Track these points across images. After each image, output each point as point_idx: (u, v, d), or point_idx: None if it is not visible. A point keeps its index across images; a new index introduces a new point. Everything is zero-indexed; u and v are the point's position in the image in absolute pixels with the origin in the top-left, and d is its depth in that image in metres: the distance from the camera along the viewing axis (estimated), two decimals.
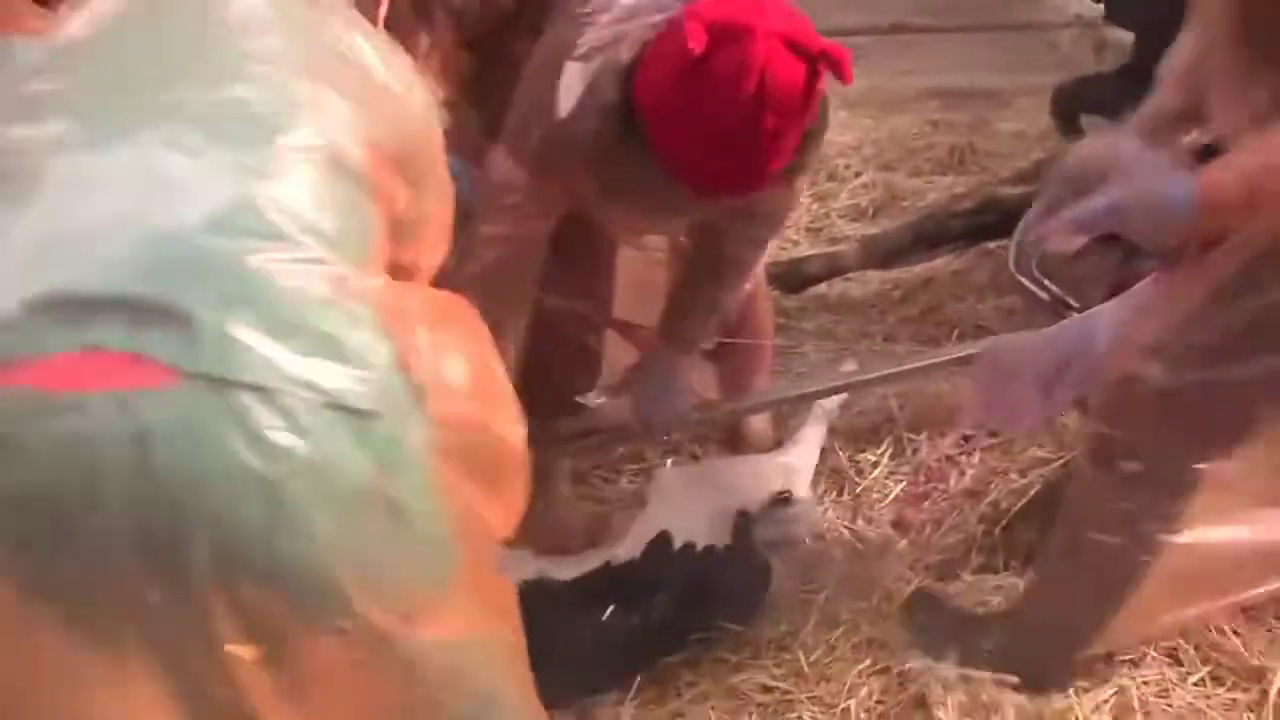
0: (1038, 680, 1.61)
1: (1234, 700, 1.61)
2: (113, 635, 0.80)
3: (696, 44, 1.32)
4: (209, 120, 0.88)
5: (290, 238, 0.84)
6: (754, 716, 1.65)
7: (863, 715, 1.63)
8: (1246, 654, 1.66)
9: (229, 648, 0.80)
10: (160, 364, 0.77)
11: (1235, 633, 1.69)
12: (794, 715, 1.64)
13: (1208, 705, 1.60)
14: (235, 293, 0.80)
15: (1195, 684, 1.64)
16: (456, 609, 0.92)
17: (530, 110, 1.54)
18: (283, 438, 0.78)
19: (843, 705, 1.64)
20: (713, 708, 1.67)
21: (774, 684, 1.69)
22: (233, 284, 0.80)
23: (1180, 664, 1.66)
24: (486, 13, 1.68)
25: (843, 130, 3.61)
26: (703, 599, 1.76)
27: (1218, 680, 1.64)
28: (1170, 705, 1.61)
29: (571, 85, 1.47)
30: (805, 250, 3.00)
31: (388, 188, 0.96)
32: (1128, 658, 1.66)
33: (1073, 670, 1.63)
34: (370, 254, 0.93)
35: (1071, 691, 1.61)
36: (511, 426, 0.99)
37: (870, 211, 3.14)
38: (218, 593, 0.79)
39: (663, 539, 1.84)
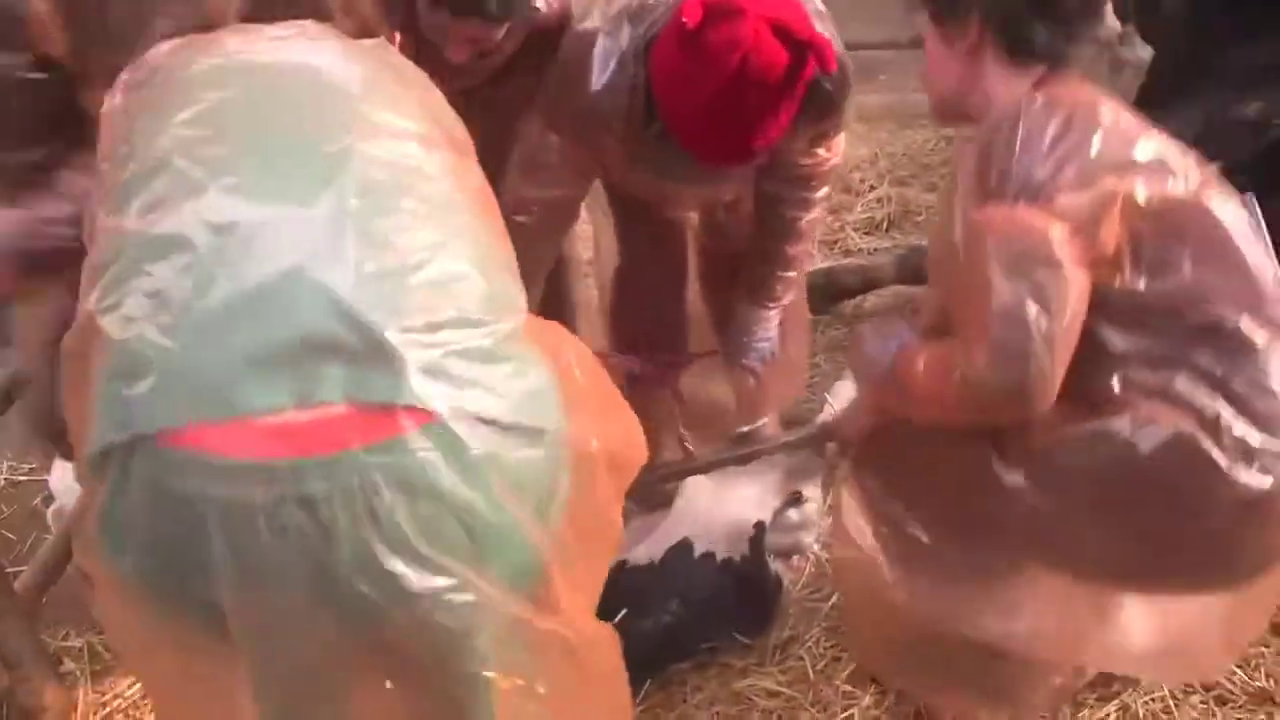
0: None
1: None
2: None
3: (691, 18, 1.43)
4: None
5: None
6: None
7: None
8: (1252, 676, 1.67)
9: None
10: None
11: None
12: None
13: None
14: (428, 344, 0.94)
15: (1200, 703, 1.65)
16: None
17: (565, 82, 1.65)
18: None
19: (846, 712, 1.66)
20: (718, 713, 1.69)
21: (779, 689, 1.71)
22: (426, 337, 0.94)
23: (1186, 684, 1.67)
24: (482, 65, 1.70)
25: (858, 144, 3.63)
26: (718, 611, 1.77)
27: (1221, 701, 1.65)
28: None
29: (603, 53, 1.58)
30: (819, 263, 3.02)
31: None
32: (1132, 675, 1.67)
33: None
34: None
35: (1075, 708, 1.63)
36: (632, 448, 1.16)
37: (884, 225, 3.15)
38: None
39: (684, 546, 1.85)
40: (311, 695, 1.00)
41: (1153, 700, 1.65)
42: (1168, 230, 1.27)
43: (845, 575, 1.67)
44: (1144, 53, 3.22)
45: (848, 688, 1.70)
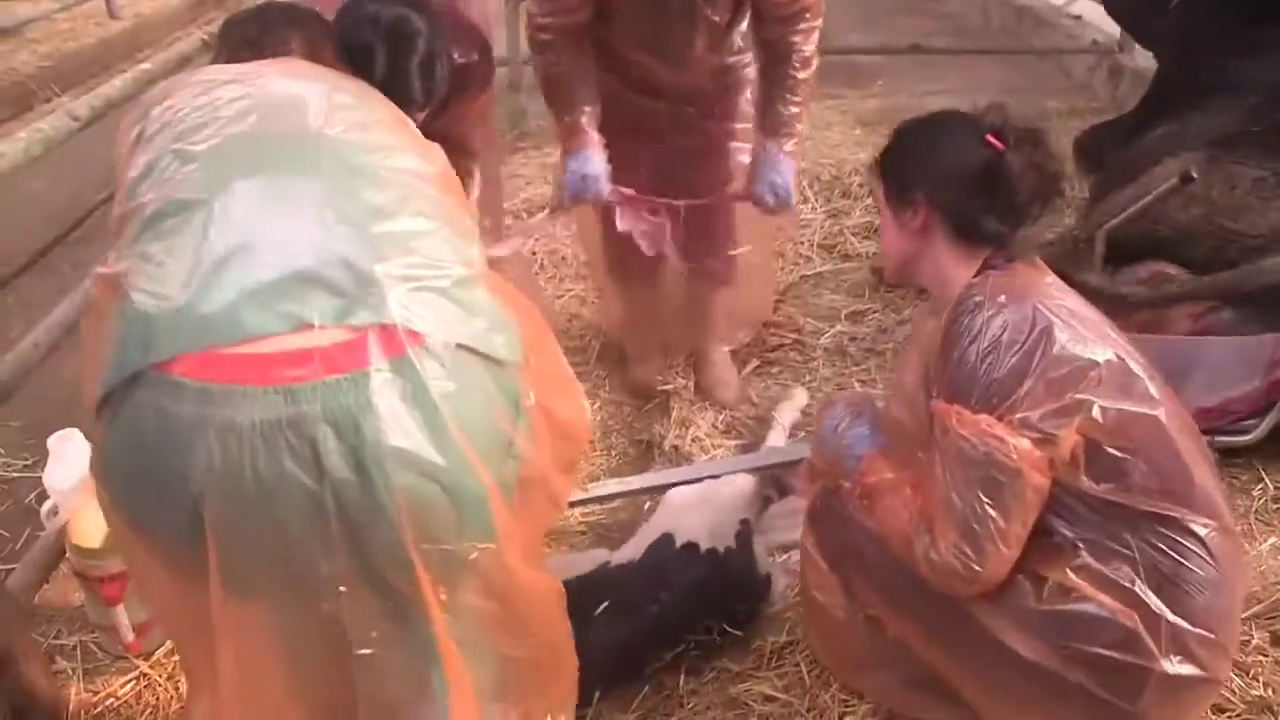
0: None
1: None
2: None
3: None
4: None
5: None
6: None
7: None
8: (1250, 685, 1.67)
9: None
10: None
11: (1236, 664, 1.70)
12: None
13: None
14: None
15: (1198, 713, 1.64)
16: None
17: None
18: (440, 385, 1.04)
19: (844, 718, 1.65)
20: (714, 718, 1.68)
21: (775, 694, 1.70)
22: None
23: None
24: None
25: (857, 148, 3.64)
26: (702, 600, 1.76)
27: (1219, 709, 1.64)
28: None
29: None
30: (819, 267, 3.03)
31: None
32: None
33: None
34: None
35: None
36: (579, 412, 1.30)
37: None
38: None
39: (665, 539, 1.85)
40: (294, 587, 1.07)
41: None
42: (1122, 441, 1.34)
43: (811, 612, 1.69)
44: (1144, 61, 3.22)
45: (844, 695, 1.69)
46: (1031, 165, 1.44)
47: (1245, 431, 2.13)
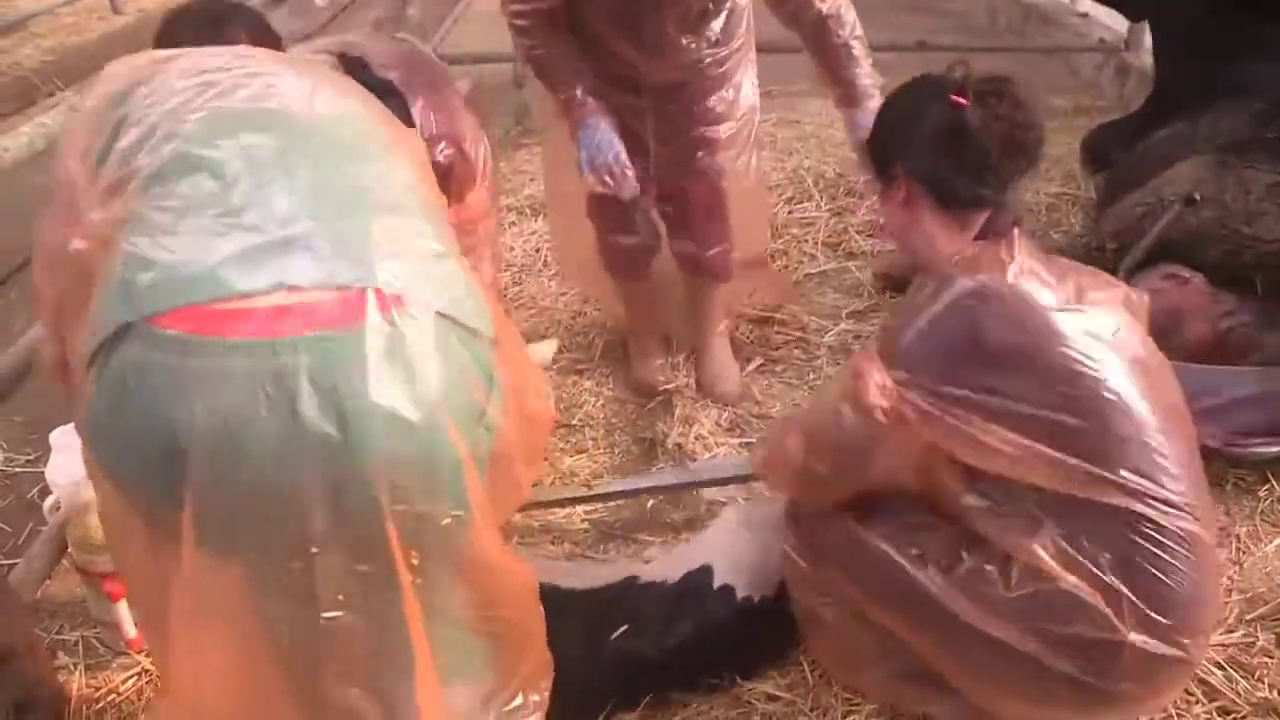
0: None
1: None
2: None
3: None
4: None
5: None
6: None
7: None
8: (1255, 686, 1.66)
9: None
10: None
11: (1241, 665, 1.70)
12: None
13: None
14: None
15: (1203, 714, 1.63)
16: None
17: None
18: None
19: (847, 719, 1.65)
20: (717, 717, 1.67)
21: (778, 693, 1.69)
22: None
23: (1187, 692, 1.65)
24: None
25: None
26: (724, 653, 1.69)
27: (1225, 711, 1.64)
28: None
29: None
30: (823, 265, 3.02)
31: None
32: None
33: None
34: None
35: None
36: (543, 399, 1.30)
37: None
38: None
39: (705, 571, 1.75)
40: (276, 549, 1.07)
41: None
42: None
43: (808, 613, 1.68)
44: (1151, 59, 3.21)
45: (848, 694, 1.68)
46: (996, 118, 1.41)
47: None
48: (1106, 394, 1.34)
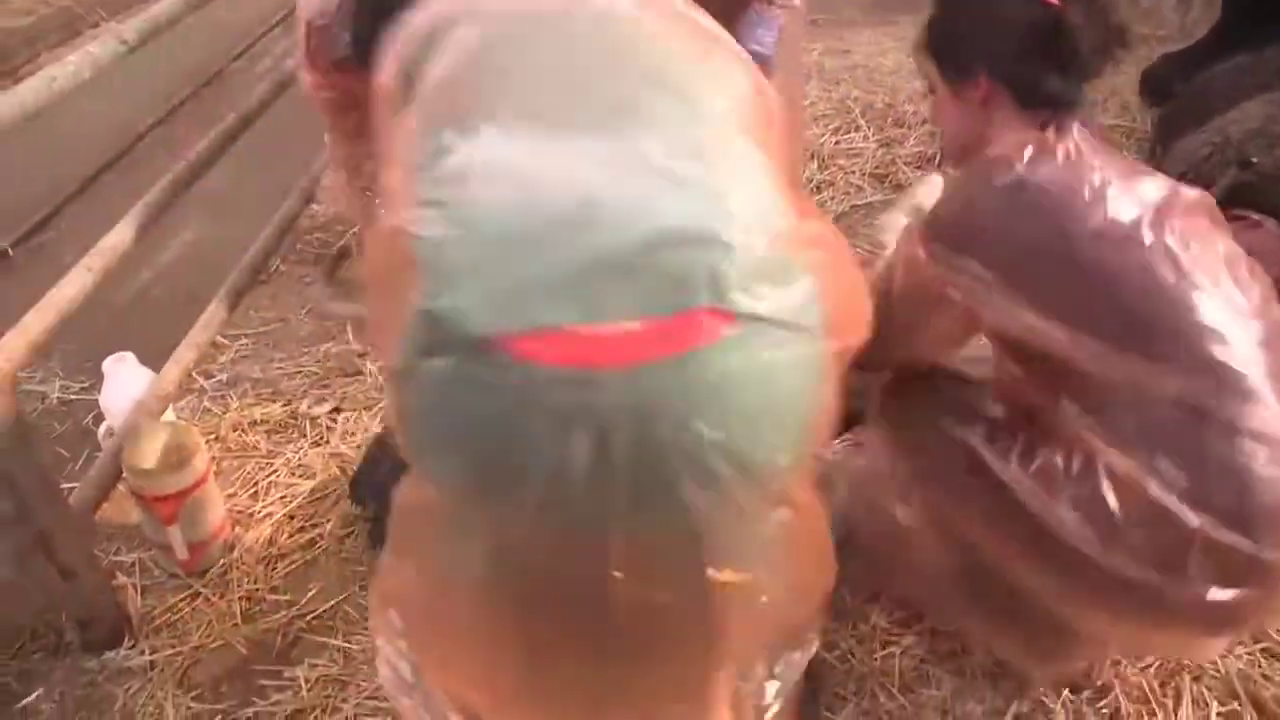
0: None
1: None
2: None
3: None
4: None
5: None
6: None
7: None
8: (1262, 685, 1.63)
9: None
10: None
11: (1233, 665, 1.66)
12: None
13: None
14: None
15: (1246, 655, 1.62)
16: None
17: None
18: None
19: (886, 650, 1.66)
20: None
21: None
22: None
23: (1199, 704, 1.59)
24: None
25: (911, 77, 3.54)
26: None
27: (1271, 654, 1.62)
28: None
29: None
30: (869, 197, 2.97)
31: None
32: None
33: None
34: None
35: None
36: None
37: (936, 159, 3.09)
38: None
39: None
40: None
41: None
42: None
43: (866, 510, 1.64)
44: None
45: (886, 625, 1.69)
46: (1093, 14, 1.40)
47: None
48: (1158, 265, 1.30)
